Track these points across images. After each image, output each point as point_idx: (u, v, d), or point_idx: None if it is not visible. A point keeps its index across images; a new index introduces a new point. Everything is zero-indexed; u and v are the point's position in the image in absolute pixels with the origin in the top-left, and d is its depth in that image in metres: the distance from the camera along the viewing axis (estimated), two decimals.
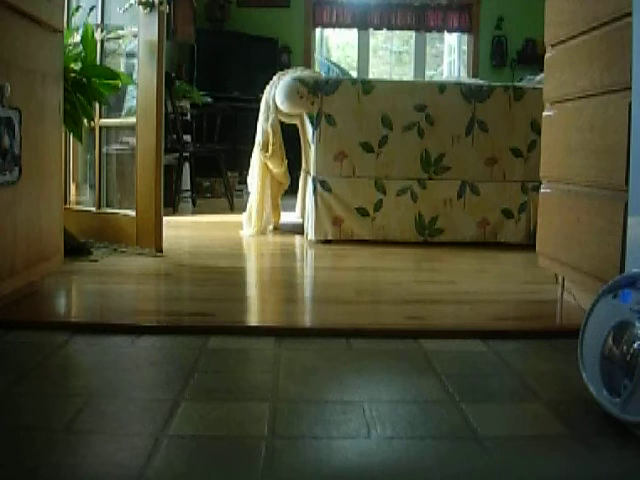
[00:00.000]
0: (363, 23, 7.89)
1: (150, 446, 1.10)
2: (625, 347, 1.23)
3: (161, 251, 3.05)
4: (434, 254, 3.29)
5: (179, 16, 6.60)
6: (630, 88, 1.54)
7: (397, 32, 8.35)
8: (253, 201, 3.86)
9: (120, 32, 3.34)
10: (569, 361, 1.51)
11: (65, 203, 3.24)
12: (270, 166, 3.85)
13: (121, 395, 1.37)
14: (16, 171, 1.91)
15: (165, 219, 3.14)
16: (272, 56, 7.47)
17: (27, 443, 1.11)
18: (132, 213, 3.12)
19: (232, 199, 5.34)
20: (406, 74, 9.38)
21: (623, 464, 1.10)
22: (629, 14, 1.58)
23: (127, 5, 3.11)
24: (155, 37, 2.99)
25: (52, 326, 1.83)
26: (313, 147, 3.56)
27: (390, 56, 10.39)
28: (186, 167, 5.62)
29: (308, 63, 7.63)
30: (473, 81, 4.24)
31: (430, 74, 8.58)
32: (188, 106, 6.05)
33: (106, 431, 1.17)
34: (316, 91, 3.50)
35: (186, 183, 5.69)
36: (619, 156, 1.72)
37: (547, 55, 2.25)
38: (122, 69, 3.41)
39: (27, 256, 2.03)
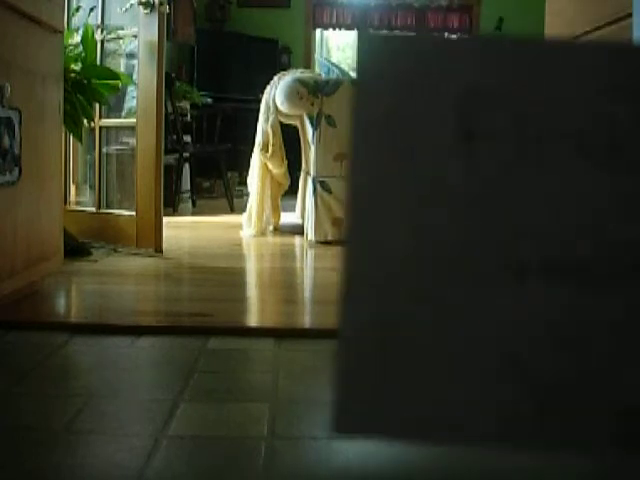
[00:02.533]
0: (363, 24, 7.89)
1: (150, 446, 1.10)
2: None
3: (161, 251, 3.05)
4: None
5: (179, 17, 6.61)
6: None
7: (397, 33, 8.36)
8: (253, 202, 3.86)
9: (120, 32, 3.34)
10: None
11: (65, 203, 3.24)
12: (270, 167, 3.86)
13: (121, 395, 1.37)
14: (16, 171, 1.91)
15: (165, 219, 3.14)
16: (272, 57, 7.48)
17: (27, 443, 1.11)
18: (132, 213, 3.12)
19: (232, 200, 5.34)
20: None
21: (620, 465, 1.10)
22: (630, 15, 1.58)
23: (127, 5, 3.11)
24: (155, 38, 2.99)
25: (52, 326, 1.83)
26: (313, 148, 3.56)
27: None
28: (186, 167, 5.62)
29: (308, 64, 7.63)
30: None
31: None
32: (188, 107, 6.05)
33: (106, 431, 1.17)
34: (316, 92, 3.50)
35: (186, 183, 5.69)
36: None
37: None
38: (122, 70, 3.41)
39: (27, 256, 2.03)
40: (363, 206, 0.34)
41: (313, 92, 3.51)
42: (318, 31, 8.06)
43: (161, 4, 2.97)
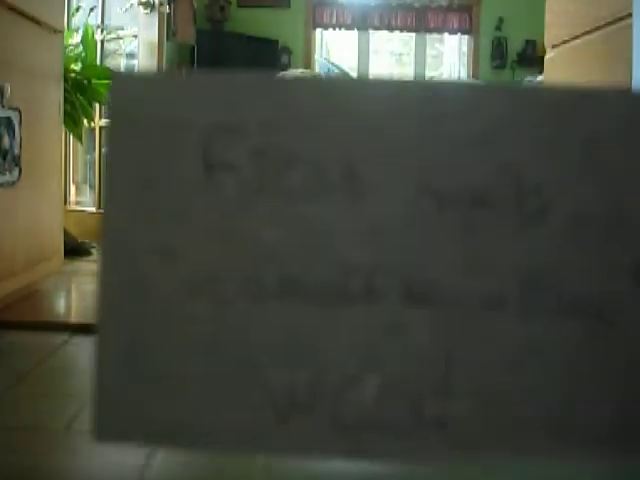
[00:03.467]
0: (363, 24, 7.90)
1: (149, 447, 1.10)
2: None
3: None
4: None
5: (179, 17, 6.61)
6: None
7: (397, 33, 8.35)
8: None
9: (120, 33, 3.34)
10: None
11: (65, 203, 3.24)
12: None
13: None
14: (16, 171, 1.91)
15: None
16: (272, 57, 7.48)
17: (27, 443, 1.11)
18: None
19: None
20: (406, 75, 9.39)
21: (623, 465, 1.10)
22: (630, 15, 1.58)
23: (127, 5, 3.12)
24: (155, 38, 2.99)
25: (52, 326, 1.82)
26: None
27: (390, 57, 10.41)
28: None
29: (308, 64, 7.64)
30: (473, 82, 4.24)
31: (430, 75, 8.59)
32: None
33: None
34: None
35: None
36: None
37: (547, 56, 2.25)
38: (122, 70, 3.41)
39: (27, 256, 2.03)
40: (117, 236, 0.38)
41: None
42: (318, 31, 8.05)
43: (161, 4, 2.97)
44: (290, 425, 0.37)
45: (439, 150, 0.37)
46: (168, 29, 5.01)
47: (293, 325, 0.37)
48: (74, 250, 2.87)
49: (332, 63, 5.03)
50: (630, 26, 1.57)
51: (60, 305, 2.25)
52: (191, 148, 0.36)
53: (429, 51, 8.52)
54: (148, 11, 2.95)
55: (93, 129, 3.34)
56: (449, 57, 8.51)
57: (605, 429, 0.40)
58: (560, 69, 2.14)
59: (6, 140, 1.85)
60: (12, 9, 1.87)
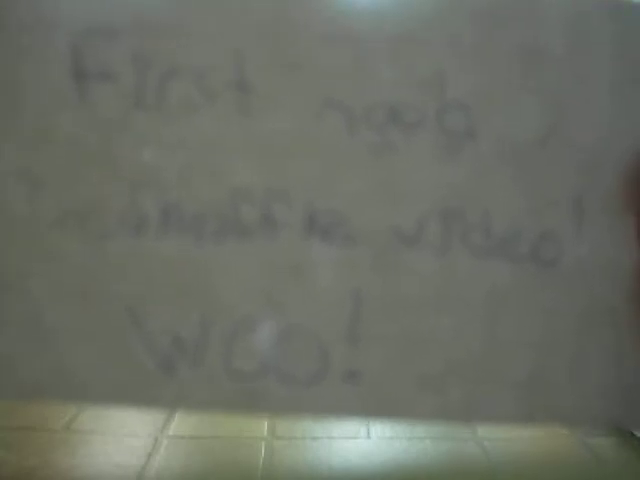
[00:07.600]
0: None
1: (149, 446, 1.10)
2: None
3: None
4: None
5: None
6: None
7: None
8: None
9: None
10: None
11: None
12: None
13: None
14: None
15: None
16: None
17: (27, 443, 1.11)
18: None
19: None
20: None
21: (623, 465, 1.10)
22: None
23: None
24: None
25: None
26: None
27: None
28: None
29: None
30: None
31: None
32: None
33: (105, 431, 1.17)
34: None
35: None
36: None
37: None
38: None
39: None
40: None
41: None
42: None
43: None
44: (176, 376, 0.33)
45: (346, 58, 0.32)
46: None
47: (176, 262, 0.32)
48: None
49: None
50: None
51: None
52: (61, 54, 0.31)
53: None
54: None
55: None
56: None
57: (527, 378, 0.37)
58: None
59: None
60: None
